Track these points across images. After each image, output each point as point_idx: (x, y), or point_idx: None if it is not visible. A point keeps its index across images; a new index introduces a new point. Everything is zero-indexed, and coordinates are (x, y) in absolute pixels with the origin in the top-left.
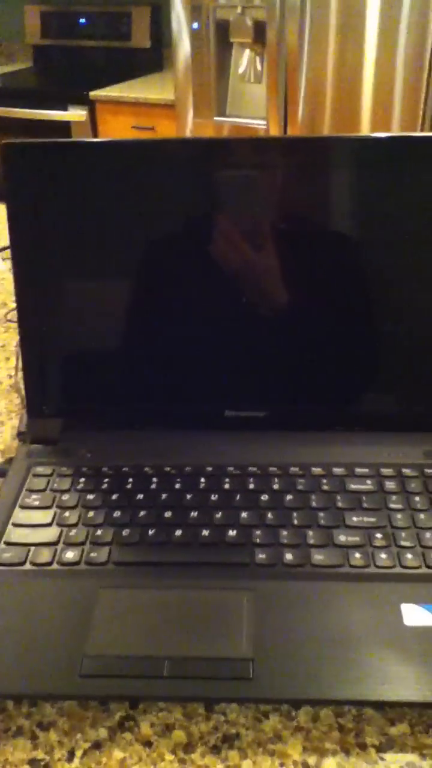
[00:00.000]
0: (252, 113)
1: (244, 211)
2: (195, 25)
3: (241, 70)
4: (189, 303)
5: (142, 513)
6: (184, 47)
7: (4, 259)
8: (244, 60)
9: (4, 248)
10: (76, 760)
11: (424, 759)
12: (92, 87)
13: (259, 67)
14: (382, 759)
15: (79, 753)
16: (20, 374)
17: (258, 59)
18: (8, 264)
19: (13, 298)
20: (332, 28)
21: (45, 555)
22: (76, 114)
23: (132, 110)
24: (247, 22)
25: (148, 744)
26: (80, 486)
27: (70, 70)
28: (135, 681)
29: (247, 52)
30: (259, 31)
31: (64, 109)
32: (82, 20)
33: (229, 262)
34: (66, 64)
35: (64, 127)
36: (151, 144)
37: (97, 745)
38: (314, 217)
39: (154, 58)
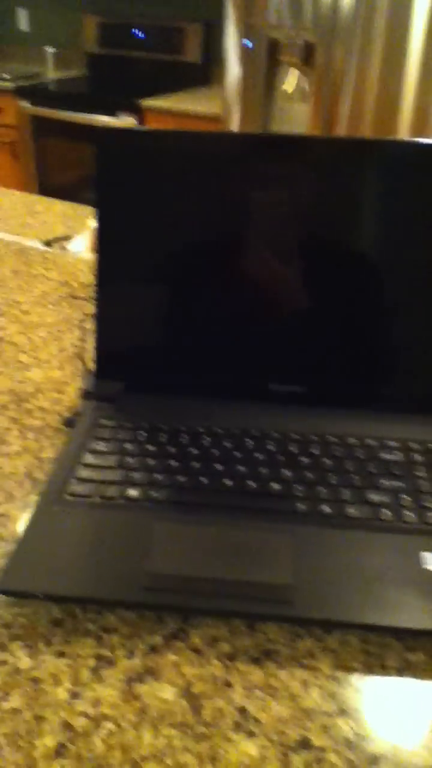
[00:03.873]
0: (295, 131)
1: (299, 204)
2: (247, 43)
3: (287, 89)
4: (240, 288)
5: (195, 464)
6: (234, 64)
7: (62, 248)
8: (291, 79)
9: (65, 237)
10: (136, 659)
11: None
12: (142, 96)
13: (305, 87)
14: (400, 679)
15: (138, 653)
16: (84, 344)
17: (305, 79)
18: (68, 249)
19: (76, 279)
20: (377, 54)
21: (112, 491)
22: (124, 121)
23: (178, 121)
24: (297, 43)
25: (197, 651)
26: (141, 438)
27: (121, 79)
28: (190, 596)
29: (295, 71)
30: (308, 52)
31: (114, 115)
32: (137, 32)
33: (276, 253)
34: (118, 73)
35: None
36: (231, 137)
37: (153, 649)
38: (362, 213)
39: (203, 73)
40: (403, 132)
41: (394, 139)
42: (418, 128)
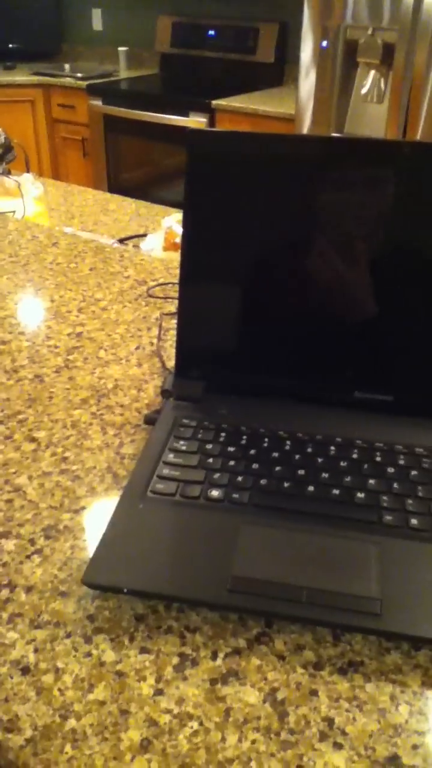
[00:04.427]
0: (370, 132)
1: (386, 209)
2: (324, 44)
3: (364, 90)
4: (324, 292)
5: (277, 468)
6: (310, 64)
7: (136, 246)
8: (368, 80)
9: (139, 236)
10: (219, 660)
11: None
12: (214, 96)
13: (383, 87)
14: None
15: (221, 654)
16: (161, 343)
17: (383, 80)
18: (142, 248)
19: (152, 277)
20: None
21: (194, 490)
22: (196, 121)
23: (250, 121)
24: (377, 43)
25: (281, 657)
26: (222, 439)
27: (194, 79)
28: (275, 602)
29: (373, 72)
30: (387, 52)
31: (185, 115)
32: (211, 32)
33: (362, 258)
34: (191, 72)
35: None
36: (317, 140)
37: (237, 652)
38: None
39: (276, 73)
40: None
41: None
42: None
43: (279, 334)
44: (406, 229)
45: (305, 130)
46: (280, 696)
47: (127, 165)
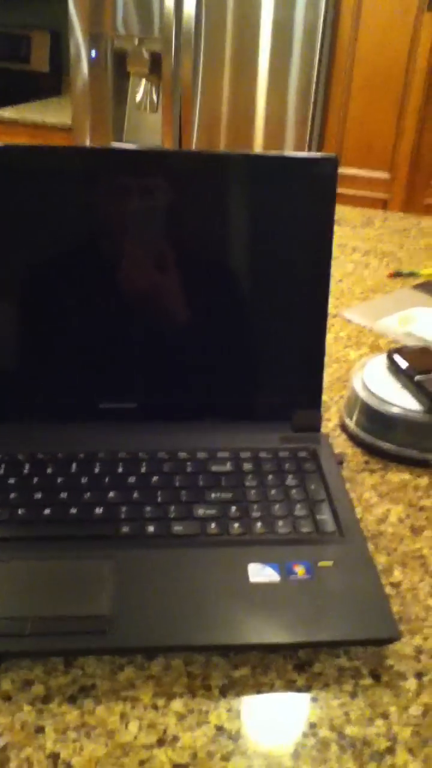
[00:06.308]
0: (148, 141)
1: (126, 220)
2: (93, 54)
3: (137, 98)
4: (62, 302)
5: (12, 495)
6: (82, 74)
7: None
8: (140, 89)
9: None
10: None
11: (261, 695)
12: None
13: (155, 97)
14: (224, 697)
15: None
16: None
17: (154, 89)
18: None
19: None
20: (226, 62)
21: None
22: None
23: (29, 132)
24: (143, 53)
25: (7, 698)
26: None
27: None
28: None
29: (144, 81)
30: (156, 62)
31: None
32: None
33: (100, 265)
34: None
35: None
36: (38, 150)
37: None
38: (191, 228)
39: (53, 83)
40: (258, 139)
41: (228, 153)
42: (271, 134)
43: (16, 352)
44: (140, 236)
45: (85, 140)
46: (2, 742)
47: None
